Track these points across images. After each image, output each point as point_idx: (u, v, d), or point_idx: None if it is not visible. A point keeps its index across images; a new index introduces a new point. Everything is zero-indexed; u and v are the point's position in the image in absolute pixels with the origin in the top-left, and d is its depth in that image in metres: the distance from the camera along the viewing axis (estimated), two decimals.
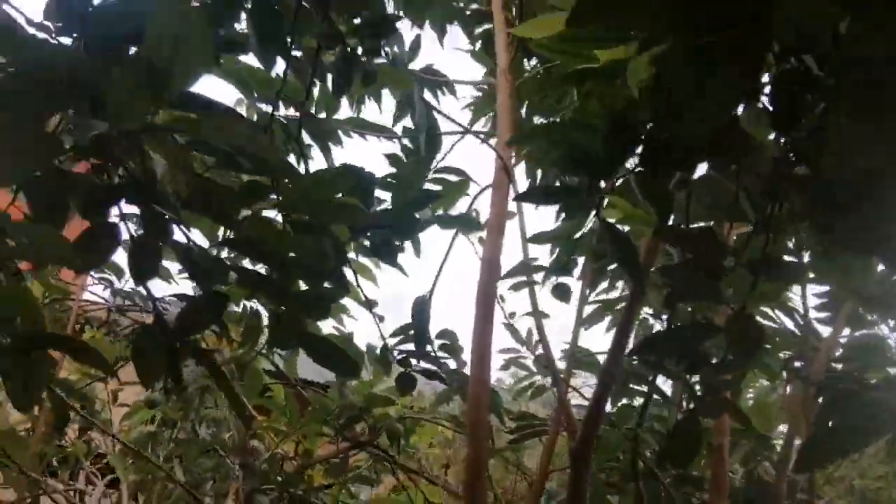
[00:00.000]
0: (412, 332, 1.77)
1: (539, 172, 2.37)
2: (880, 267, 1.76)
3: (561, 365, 2.78)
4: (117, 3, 0.73)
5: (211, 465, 3.16)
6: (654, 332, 1.02)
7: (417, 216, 1.21)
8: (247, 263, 1.05)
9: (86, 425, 2.86)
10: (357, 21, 1.04)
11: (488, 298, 1.83)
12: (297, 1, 0.93)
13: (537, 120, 2.39)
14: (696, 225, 1.06)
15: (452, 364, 1.87)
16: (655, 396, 1.79)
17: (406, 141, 1.93)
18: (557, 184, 2.00)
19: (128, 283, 2.88)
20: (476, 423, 1.70)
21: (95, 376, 2.67)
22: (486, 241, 1.94)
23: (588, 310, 2.54)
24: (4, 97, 0.59)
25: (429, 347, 1.79)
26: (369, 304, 1.53)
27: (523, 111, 2.32)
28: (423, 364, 1.80)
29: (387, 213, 1.14)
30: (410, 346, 1.66)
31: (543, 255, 2.47)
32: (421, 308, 1.79)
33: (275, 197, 0.85)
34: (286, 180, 0.83)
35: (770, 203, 0.81)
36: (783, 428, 2.81)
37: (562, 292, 1.76)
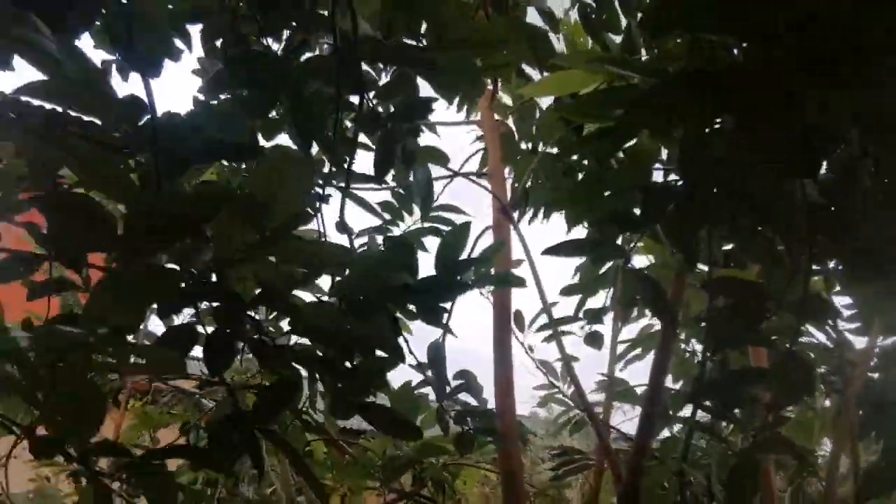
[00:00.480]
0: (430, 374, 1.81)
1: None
2: None
3: (598, 397, 2.81)
4: (185, 118, 0.79)
5: None
6: (705, 377, 1.06)
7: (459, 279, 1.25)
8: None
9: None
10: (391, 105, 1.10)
11: (504, 341, 1.87)
12: (338, 93, 0.99)
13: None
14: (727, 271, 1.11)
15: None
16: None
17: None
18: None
19: None
20: (507, 457, 1.72)
21: (141, 445, 2.72)
22: (495, 289, 1.98)
23: (621, 345, 2.58)
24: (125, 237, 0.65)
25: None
26: (420, 367, 1.57)
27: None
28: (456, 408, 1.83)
29: (430, 279, 1.18)
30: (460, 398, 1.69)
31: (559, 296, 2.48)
32: (436, 352, 1.83)
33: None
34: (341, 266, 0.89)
35: (807, 247, 0.85)
36: (826, 441, 2.80)
37: (594, 340, 1.80)
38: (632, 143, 1.12)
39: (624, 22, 1.72)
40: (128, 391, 2.82)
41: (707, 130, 0.84)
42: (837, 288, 1.94)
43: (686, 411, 2.59)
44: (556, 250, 1.28)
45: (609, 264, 2.42)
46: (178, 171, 0.79)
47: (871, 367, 2.33)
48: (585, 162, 2.21)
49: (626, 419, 2.83)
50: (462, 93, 1.12)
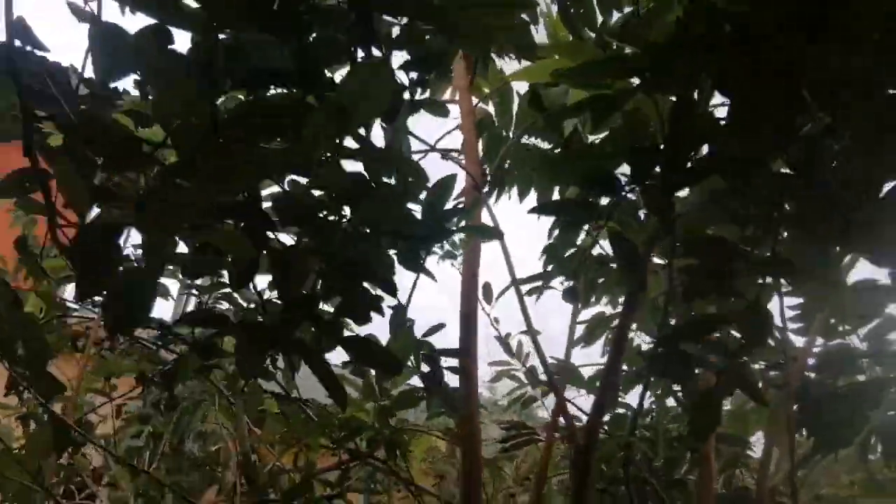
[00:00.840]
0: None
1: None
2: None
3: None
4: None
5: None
6: (677, 324, 1.18)
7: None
8: None
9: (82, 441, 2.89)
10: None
11: (471, 312, 1.95)
12: (354, 39, 1.04)
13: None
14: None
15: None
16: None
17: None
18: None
19: None
20: (469, 434, 1.80)
21: (101, 391, 2.71)
22: (465, 257, 2.07)
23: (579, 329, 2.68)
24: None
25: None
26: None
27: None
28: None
29: (419, 222, 1.24)
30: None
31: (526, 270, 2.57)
32: (398, 315, 1.90)
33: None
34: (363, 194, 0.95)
35: (774, 210, 0.94)
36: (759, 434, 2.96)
37: (572, 295, 1.88)
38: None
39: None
40: (88, 337, 2.81)
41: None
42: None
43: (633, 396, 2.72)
44: (542, 209, 1.36)
45: (573, 250, 2.55)
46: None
47: (808, 367, 2.49)
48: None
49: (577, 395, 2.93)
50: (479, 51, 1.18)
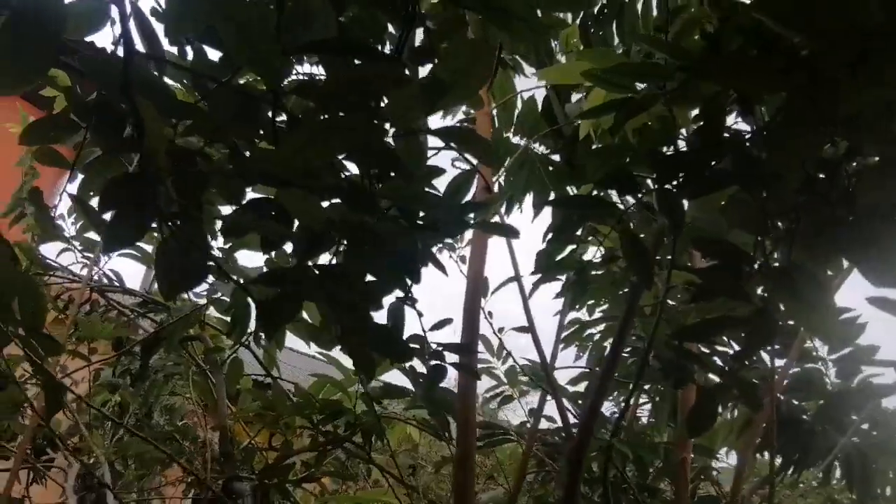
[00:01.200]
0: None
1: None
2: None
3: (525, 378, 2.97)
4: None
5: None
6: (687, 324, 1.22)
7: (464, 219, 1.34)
8: None
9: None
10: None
11: (474, 310, 1.99)
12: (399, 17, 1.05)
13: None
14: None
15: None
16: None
17: None
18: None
19: (107, 264, 2.91)
20: (465, 424, 1.83)
21: (80, 354, 2.68)
22: (471, 257, 2.10)
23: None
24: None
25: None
26: (412, 301, 1.66)
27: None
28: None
29: (440, 208, 1.26)
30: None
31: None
32: (396, 313, 1.93)
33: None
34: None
35: (793, 220, 0.98)
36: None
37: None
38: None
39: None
40: (70, 298, 2.78)
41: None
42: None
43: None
44: (558, 203, 1.38)
45: (565, 253, 2.60)
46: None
47: (782, 388, 2.57)
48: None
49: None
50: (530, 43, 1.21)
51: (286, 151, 0.76)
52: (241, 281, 1.08)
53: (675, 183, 1.11)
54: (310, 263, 1.14)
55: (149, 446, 2.82)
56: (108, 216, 0.94)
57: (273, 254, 1.67)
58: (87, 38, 1.07)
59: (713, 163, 1.05)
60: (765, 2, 0.66)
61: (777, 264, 1.04)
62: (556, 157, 2.37)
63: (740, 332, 1.12)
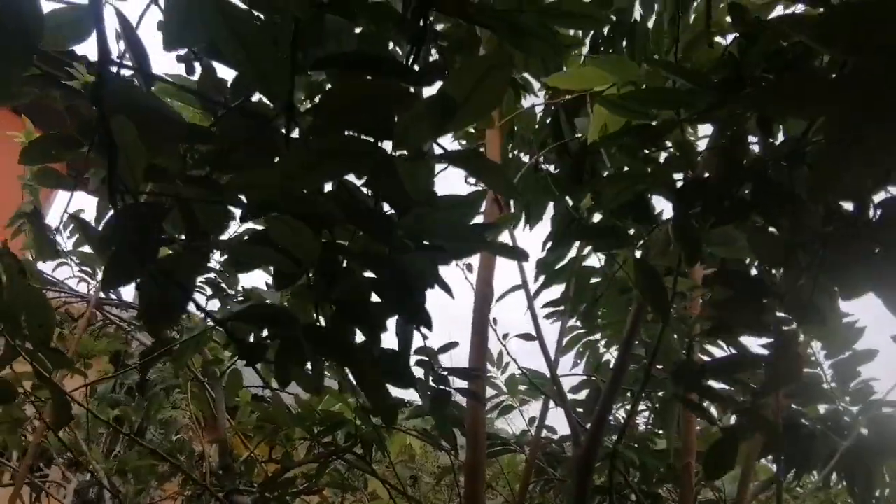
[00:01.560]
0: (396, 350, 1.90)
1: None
2: None
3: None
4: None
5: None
6: (703, 362, 1.22)
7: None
8: None
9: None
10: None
11: (483, 322, 1.98)
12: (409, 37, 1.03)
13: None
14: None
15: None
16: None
17: None
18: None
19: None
20: (474, 436, 1.83)
21: (79, 370, 2.64)
22: (480, 271, 2.10)
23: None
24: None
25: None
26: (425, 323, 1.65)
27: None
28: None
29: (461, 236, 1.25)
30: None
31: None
32: (404, 334, 1.92)
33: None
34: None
35: (819, 250, 0.98)
36: None
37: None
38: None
39: None
40: (67, 312, 2.74)
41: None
42: None
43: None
44: (575, 233, 1.39)
45: (564, 262, 2.60)
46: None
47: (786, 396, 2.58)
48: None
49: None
50: (544, 58, 1.20)
51: (278, 174, 0.74)
52: (217, 317, 1.04)
53: (692, 212, 1.11)
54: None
55: (146, 461, 2.79)
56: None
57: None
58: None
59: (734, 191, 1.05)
60: (824, 24, 0.63)
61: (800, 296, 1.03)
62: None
63: (761, 369, 1.12)
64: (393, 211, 1.05)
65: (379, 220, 1.00)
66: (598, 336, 2.82)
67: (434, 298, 1.34)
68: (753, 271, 1.33)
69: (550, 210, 2.47)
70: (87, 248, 2.63)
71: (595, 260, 2.54)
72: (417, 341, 1.78)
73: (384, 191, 0.99)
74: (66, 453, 2.94)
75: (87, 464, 2.64)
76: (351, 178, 1.01)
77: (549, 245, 2.44)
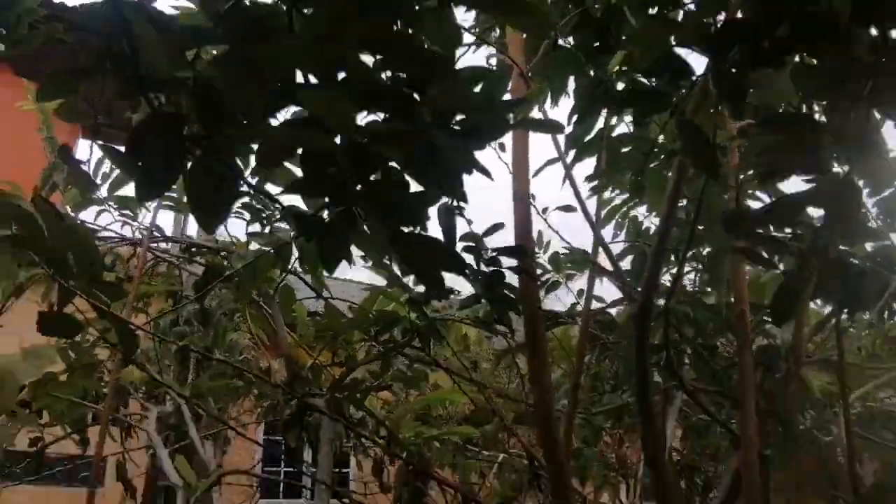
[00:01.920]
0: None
1: None
2: None
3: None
4: None
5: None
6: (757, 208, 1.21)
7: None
8: None
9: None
10: None
11: (523, 204, 1.98)
12: None
13: None
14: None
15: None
16: None
17: None
18: None
19: (145, 219, 2.92)
20: (531, 315, 1.86)
21: (142, 309, 2.76)
22: (515, 149, 2.07)
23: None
24: None
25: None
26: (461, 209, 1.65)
27: None
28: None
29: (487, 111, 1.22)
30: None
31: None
32: (447, 214, 1.92)
33: None
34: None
35: (868, 80, 0.94)
36: None
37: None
38: None
39: None
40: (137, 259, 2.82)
41: None
42: None
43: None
44: (613, 100, 1.36)
45: (592, 134, 2.56)
46: None
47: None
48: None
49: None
50: None
51: (301, 43, 0.72)
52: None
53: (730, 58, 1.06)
54: None
55: (221, 381, 2.94)
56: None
57: None
58: None
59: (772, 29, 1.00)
60: None
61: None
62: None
63: (822, 206, 1.10)
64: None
65: (398, 98, 0.97)
66: (634, 202, 2.81)
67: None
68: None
69: (572, 84, 2.41)
70: (123, 192, 2.67)
71: (623, 129, 2.50)
72: (462, 228, 1.80)
73: (403, 55, 0.94)
74: (142, 388, 3.10)
75: (164, 393, 2.78)
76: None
77: (574, 118, 2.40)
